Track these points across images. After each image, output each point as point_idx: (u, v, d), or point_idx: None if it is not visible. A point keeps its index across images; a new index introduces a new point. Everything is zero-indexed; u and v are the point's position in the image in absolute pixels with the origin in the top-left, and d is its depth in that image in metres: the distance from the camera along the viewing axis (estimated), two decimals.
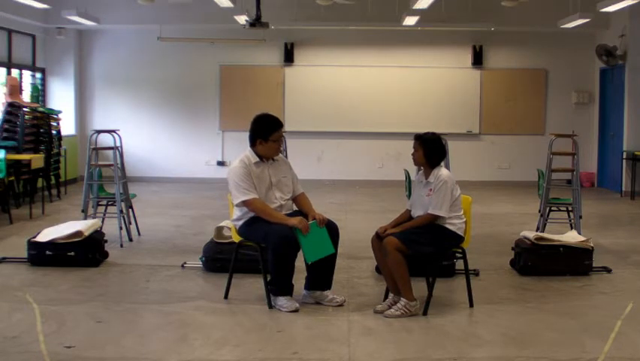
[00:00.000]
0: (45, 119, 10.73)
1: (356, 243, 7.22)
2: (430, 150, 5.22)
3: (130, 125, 12.95)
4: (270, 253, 5.09)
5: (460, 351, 4.39)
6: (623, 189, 12.15)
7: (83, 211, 7.66)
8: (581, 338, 4.62)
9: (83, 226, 6.61)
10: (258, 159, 5.32)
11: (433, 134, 5.35)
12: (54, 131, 11.04)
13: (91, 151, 7.66)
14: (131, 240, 7.65)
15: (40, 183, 10.49)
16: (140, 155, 13.40)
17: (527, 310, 5.29)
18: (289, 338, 4.61)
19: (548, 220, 7.62)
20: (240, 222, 5.31)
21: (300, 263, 5.23)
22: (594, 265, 6.36)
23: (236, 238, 5.45)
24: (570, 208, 7.70)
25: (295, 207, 5.46)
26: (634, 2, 9.65)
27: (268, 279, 5.20)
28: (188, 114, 13.80)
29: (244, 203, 5.19)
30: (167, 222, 9.05)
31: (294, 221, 5.05)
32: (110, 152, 7.78)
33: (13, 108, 10.22)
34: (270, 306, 5.17)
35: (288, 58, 13.54)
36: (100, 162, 7.96)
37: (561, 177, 9.88)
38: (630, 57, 12.18)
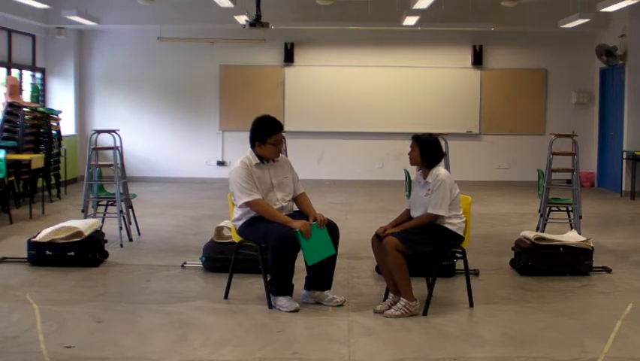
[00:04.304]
0: (45, 119, 10.73)
1: (356, 243, 7.22)
2: (426, 150, 5.23)
3: (130, 125, 12.96)
4: (270, 253, 5.08)
5: (460, 351, 4.39)
6: (623, 189, 12.15)
7: (82, 211, 7.67)
8: (581, 338, 4.62)
9: (83, 225, 6.60)
10: (258, 161, 5.31)
11: (431, 135, 5.36)
12: (54, 131, 11.04)
13: (91, 151, 7.67)
14: (131, 240, 7.65)
15: (40, 183, 10.48)
16: (140, 155, 13.41)
17: (527, 310, 5.29)
18: (289, 338, 4.61)
19: (548, 220, 7.63)
20: (240, 223, 5.31)
21: (300, 263, 5.23)
22: (594, 265, 6.36)
23: (237, 238, 5.45)
24: (570, 208, 7.70)
25: (296, 208, 5.46)
26: (634, 2, 9.65)
27: (268, 279, 5.20)
28: (188, 114, 13.80)
29: (247, 204, 5.18)
30: (167, 222, 9.04)
31: (298, 224, 5.04)
32: (110, 152, 7.79)
33: (13, 108, 10.22)
34: (270, 306, 5.17)
35: (288, 58, 13.54)
36: (100, 162, 7.96)
37: (561, 177, 9.87)
38: (630, 57, 12.18)
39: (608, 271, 6.43)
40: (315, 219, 5.17)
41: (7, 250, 7.05)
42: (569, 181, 9.87)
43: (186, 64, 13.70)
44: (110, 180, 7.96)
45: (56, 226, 6.64)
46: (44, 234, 6.53)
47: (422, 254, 5.09)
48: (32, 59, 12.90)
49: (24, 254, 6.51)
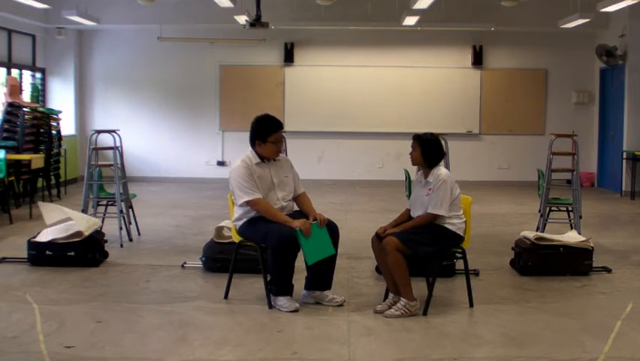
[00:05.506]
0: (45, 119, 10.73)
1: (356, 243, 7.22)
2: (428, 149, 5.23)
3: (130, 125, 12.97)
4: (270, 253, 5.08)
5: (460, 351, 4.39)
6: (623, 189, 12.15)
7: (83, 211, 7.66)
8: (581, 338, 4.63)
9: (83, 224, 6.60)
10: (259, 160, 5.31)
11: (432, 134, 5.36)
12: (54, 131, 11.04)
13: (91, 151, 7.67)
14: (131, 240, 7.65)
15: (40, 183, 10.49)
16: (140, 155, 13.42)
17: (527, 310, 5.29)
18: (289, 338, 4.61)
19: (548, 220, 7.62)
20: (240, 223, 5.31)
21: (300, 263, 5.23)
22: (594, 265, 6.36)
23: (237, 238, 5.45)
24: (570, 208, 7.70)
25: (296, 208, 5.46)
26: (634, 2, 9.65)
27: (268, 279, 5.20)
28: (188, 114, 13.81)
29: (248, 203, 5.18)
30: (167, 222, 9.04)
31: (297, 223, 5.04)
32: (110, 152, 7.79)
33: (13, 108, 10.22)
34: (270, 306, 5.17)
35: (288, 58, 13.54)
36: (100, 162, 7.96)
37: (561, 177, 9.87)
38: (630, 57, 12.18)
39: (608, 271, 6.43)
40: (315, 219, 5.17)
41: (7, 250, 7.05)
42: (569, 181, 9.87)
43: (186, 64, 13.70)
44: (110, 180, 7.96)
45: (60, 225, 6.65)
46: (46, 232, 6.54)
47: (422, 254, 5.09)
48: (32, 59, 12.90)
49: (24, 254, 6.51)
